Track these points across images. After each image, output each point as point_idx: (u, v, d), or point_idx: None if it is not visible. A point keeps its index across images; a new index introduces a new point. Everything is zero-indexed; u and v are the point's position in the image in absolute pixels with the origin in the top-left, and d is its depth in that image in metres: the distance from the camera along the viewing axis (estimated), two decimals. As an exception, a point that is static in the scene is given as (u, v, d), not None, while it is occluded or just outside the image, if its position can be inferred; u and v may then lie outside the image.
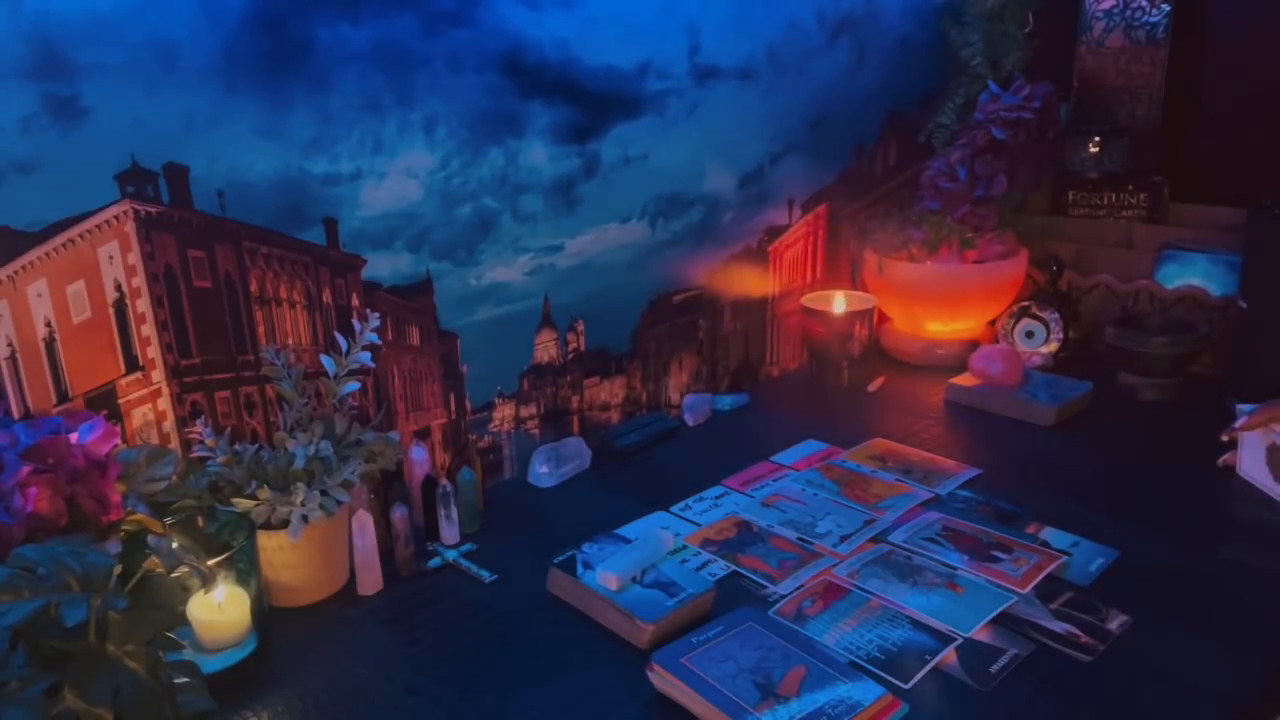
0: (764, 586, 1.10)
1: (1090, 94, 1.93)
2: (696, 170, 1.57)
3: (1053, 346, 1.75)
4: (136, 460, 0.95)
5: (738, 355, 1.76)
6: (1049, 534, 1.20)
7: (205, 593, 0.90)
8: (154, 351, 1.06)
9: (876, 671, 0.94)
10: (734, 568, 1.14)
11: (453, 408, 1.35)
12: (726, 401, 1.63)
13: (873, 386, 1.72)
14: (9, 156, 0.92)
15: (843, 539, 1.20)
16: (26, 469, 0.83)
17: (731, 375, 1.76)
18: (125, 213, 1.01)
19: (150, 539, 0.83)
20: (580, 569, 1.08)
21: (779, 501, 1.30)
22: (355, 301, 1.21)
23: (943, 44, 1.84)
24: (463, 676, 0.96)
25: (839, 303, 1.71)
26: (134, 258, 1.02)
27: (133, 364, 1.05)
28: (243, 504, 1.01)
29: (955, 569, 1.12)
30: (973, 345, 1.72)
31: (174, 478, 0.97)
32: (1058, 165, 1.88)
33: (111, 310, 1.03)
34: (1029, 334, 1.77)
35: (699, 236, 1.61)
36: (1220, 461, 1.34)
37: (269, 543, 1.02)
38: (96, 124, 0.96)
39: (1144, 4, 1.85)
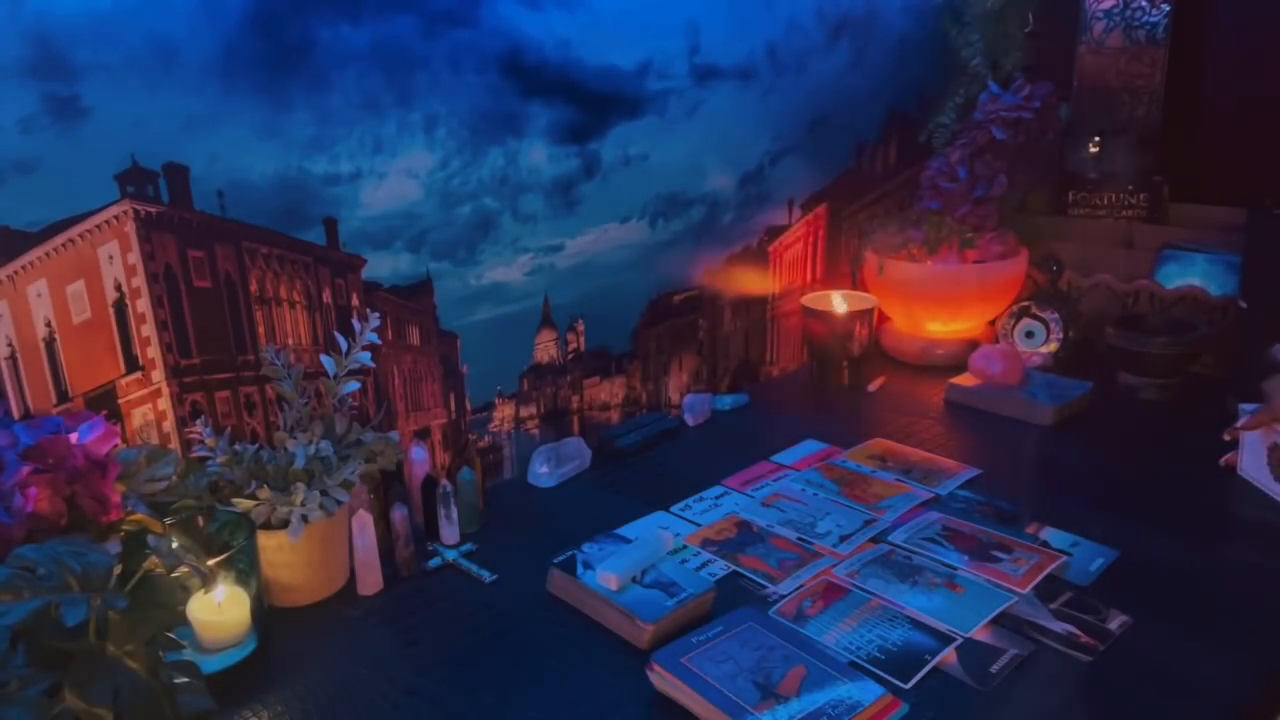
0: (764, 586, 1.10)
1: (1090, 94, 1.93)
2: (696, 170, 1.57)
3: (1053, 346, 1.75)
4: (136, 460, 0.95)
5: (738, 355, 1.76)
6: (1049, 534, 1.20)
7: (205, 593, 0.90)
8: (154, 351, 1.06)
9: (876, 671, 0.94)
10: (734, 568, 1.14)
11: (453, 408, 1.35)
12: (726, 401, 1.63)
13: (873, 386, 1.71)
14: (9, 156, 0.92)
15: (843, 539, 1.20)
16: (26, 469, 0.83)
17: (731, 375, 1.76)
18: (125, 213, 1.01)
19: (150, 539, 0.83)
20: (580, 569, 1.08)
21: (779, 501, 1.30)
22: (355, 301, 1.21)
23: (943, 44, 1.84)
24: (463, 676, 0.96)
25: (839, 303, 1.71)
26: (134, 258, 1.02)
27: (133, 364, 1.05)
28: (243, 504, 1.01)
29: (955, 569, 1.12)
30: (973, 345, 1.72)
31: (174, 478, 0.96)
32: (1058, 165, 1.88)
33: (111, 310, 1.03)
34: (1029, 334, 1.76)
35: (699, 236, 1.61)
36: (1222, 461, 1.34)
37: (269, 543, 1.02)
38: (96, 124, 0.96)
39: (1144, 4, 1.85)
